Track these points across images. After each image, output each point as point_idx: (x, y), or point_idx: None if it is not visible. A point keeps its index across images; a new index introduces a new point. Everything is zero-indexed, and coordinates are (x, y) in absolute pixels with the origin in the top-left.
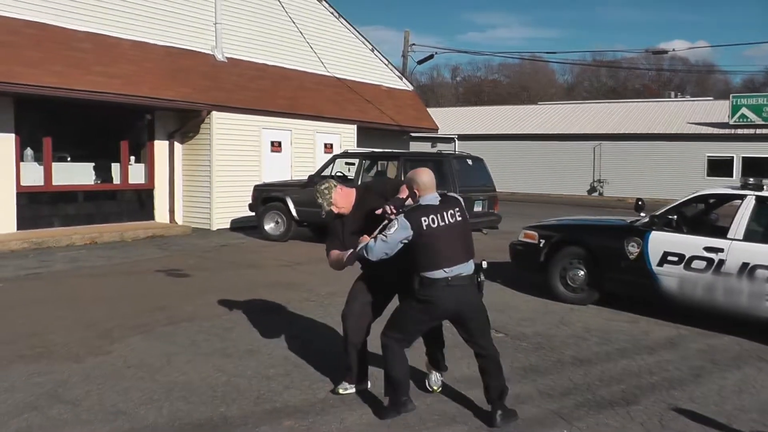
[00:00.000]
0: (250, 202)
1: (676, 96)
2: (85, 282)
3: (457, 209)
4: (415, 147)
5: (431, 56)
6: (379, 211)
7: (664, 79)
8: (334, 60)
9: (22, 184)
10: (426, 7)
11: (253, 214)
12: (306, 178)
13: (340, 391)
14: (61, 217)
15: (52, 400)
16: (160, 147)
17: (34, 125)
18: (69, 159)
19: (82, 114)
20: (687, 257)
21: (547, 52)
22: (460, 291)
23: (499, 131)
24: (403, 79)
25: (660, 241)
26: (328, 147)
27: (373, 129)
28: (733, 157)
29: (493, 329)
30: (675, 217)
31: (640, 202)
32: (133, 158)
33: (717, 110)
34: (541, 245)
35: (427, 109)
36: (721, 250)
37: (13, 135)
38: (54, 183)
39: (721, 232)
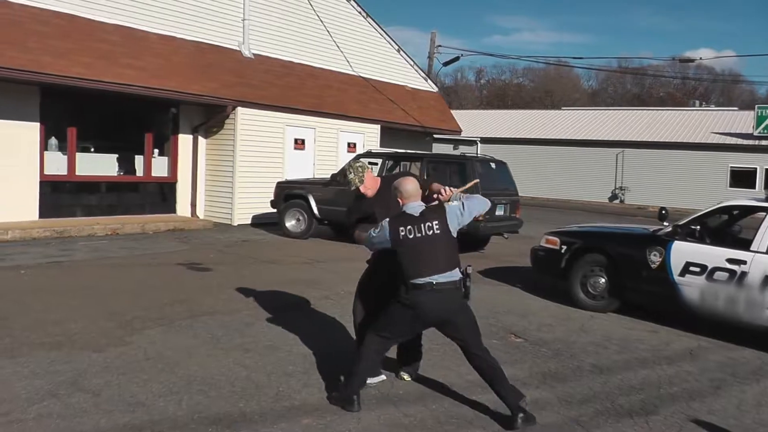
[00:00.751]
0: (272, 198)
1: (700, 105)
2: (107, 272)
3: (436, 222)
4: (438, 149)
5: (457, 58)
6: (435, 189)
7: (689, 88)
8: (360, 59)
9: (46, 172)
10: (451, 9)
11: (275, 210)
12: (328, 176)
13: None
14: (84, 206)
15: (72, 388)
16: (184, 141)
17: (60, 115)
18: (93, 150)
19: (107, 105)
20: (709, 268)
21: (574, 57)
22: (446, 296)
23: (521, 135)
24: (428, 80)
25: (682, 251)
26: (352, 146)
27: (396, 129)
28: (756, 168)
29: (512, 334)
30: (698, 227)
31: (663, 211)
32: (156, 151)
33: (741, 121)
34: (562, 251)
35: (451, 111)
36: (744, 263)
37: (38, 124)
38: (77, 173)
39: (744, 244)
